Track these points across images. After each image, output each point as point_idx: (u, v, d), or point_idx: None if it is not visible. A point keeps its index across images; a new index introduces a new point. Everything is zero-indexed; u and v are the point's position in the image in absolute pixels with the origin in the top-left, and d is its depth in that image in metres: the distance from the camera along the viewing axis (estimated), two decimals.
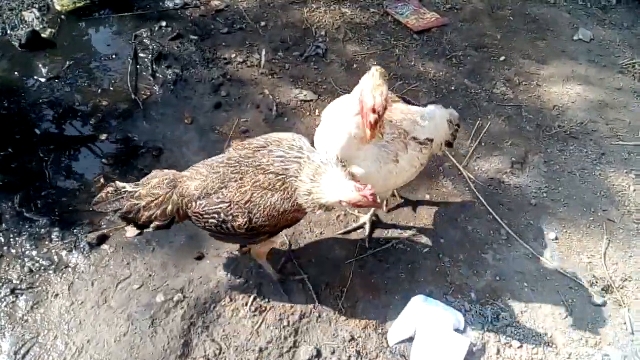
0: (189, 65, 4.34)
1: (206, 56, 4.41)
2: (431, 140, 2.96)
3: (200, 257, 3.26)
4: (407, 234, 3.50)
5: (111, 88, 4.14)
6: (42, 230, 3.33)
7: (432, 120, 2.98)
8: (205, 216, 2.55)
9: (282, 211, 2.49)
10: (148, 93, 4.13)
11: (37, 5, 4.69)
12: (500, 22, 5.00)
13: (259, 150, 2.57)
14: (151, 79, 4.22)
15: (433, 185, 3.78)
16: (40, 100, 3.99)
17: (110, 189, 2.66)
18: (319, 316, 3.11)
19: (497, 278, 3.33)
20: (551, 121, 4.23)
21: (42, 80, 4.13)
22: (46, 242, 3.29)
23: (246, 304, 3.09)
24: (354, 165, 2.69)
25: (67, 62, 4.27)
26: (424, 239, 3.49)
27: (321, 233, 3.47)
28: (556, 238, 3.56)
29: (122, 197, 2.64)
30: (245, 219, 2.49)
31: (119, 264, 3.21)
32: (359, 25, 4.82)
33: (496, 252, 3.47)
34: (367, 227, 3.50)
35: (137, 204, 2.62)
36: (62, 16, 4.65)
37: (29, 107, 3.95)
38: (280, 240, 3.35)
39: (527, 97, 4.39)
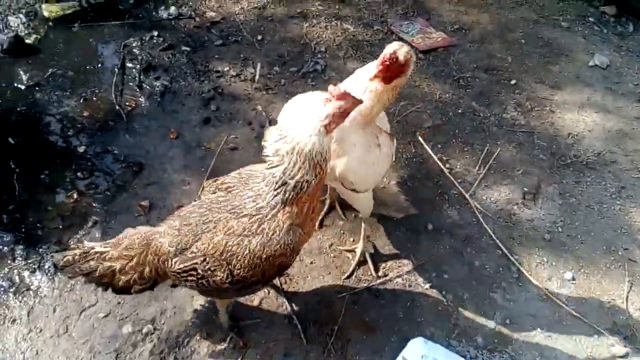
0: (179, 77, 4.18)
1: (198, 68, 4.26)
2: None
3: (175, 285, 3.00)
4: (407, 267, 3.26)
5: (94, 98, 3.97)
6: (5, 247, 3.12)
7: (384, 116, 3.08)
8: (183, 274, 2.29)
9: (265, 257, 2.18)
10: (133, 105, 3.96)
11: (24, 11, 4.57)
12: (511, 44, 4.86)
13: (231, 191, 2.31)
14: (137, 90, 4.06)
15: (437, 215, 3.55)
16: (18, 109, 3.82)
17: (78, 251, 2.42)
18: (306, 355, 2.85)
19: (507, 321, 3.07)
20: (566, 150, 4.03)
21: (22, 87, 3.98)
22: (8, 261, 3.07)
23: (224, 340, 2.84)
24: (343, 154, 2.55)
25: (50, 70, 4.12)
26: (426, 274, 3.25)
27: (312, 263, 3.23)
28: (573, 278, 3.31)
29: (93, 259, 2.38)
30: (226, 273, 2.22)
31: (86, 289, 2.97)
32: (361, 42, 4.68)
33: (506, 292, 3.22)
34: (357, 257, 3.27)
35: (112, 267, 2.36)
36: (50, 23, 4.53)
37: (3, 114, 3.77)
38: None
39: (539, 124, 4.20)
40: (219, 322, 2.87)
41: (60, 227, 3.22)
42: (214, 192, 2.37)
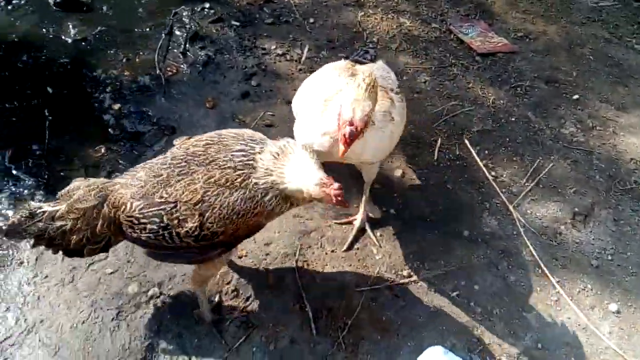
0: (224, 50, 4.17)
1: (244, 44, 4.24)
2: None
3: None
4: (434, 272, 3.09)
5: (137, 60, 4.00)
6: (26, 191, 3.14)
7: (388, 72, 3.09)
8: (143, 221, 2.12)
9: (242, 213, 2.11)
10: (174, 70, 3.96)
11: None
12: (577, 59, 4.63)
13: (211, 146, 2.22)
14: (181, 57, 4.07)
15: (475, 222, 3.37)
16: (60, 61, 3.89)
17: (23, 212, 2.23)
18: (313, 347, 2.72)
19: (539, 345, 2.85)
20: (626, 175, 3.77)
21: (68, 40, 4.05)
22: (26, 204, 3.06)
23: (232, 315, 2.74)
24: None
25: (98, 28, 4.18)
26: (454, 282, 3.07)
27: (333, 251, 3.11)
28: (618, 311, 3.06)
29: (40, 221, 2.20)
30: (196, 224, 2.08)
31: None
32: (416, 37, 4.56)
33: (541, 314, 3.00)
34: (355, 228, 3.20)
35: (62, 226, 2.19)
36: None
37: (46, 64, 3.84)
38: (223, 270, 2.91)
39: (600, 144, 3.96)
40: (198, 313, 2.71)
41: (83, 177, 3.20)
42: (190, 147, 2.25)
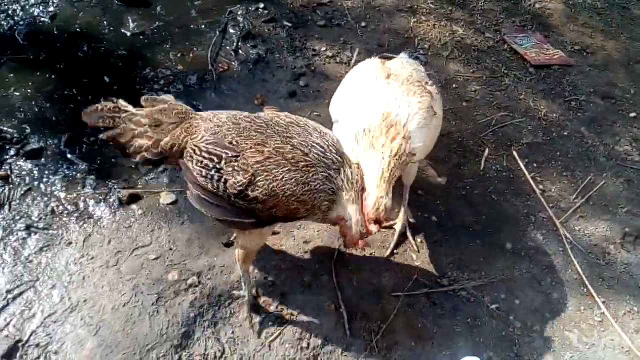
0: (275, 50, 4.21)
1: (295, 44, 4.27)
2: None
3: (229, 245, 2.98)
4: (475, 282, 3.02)
5: (191, 55, 4.08)
6: (79, 175, 3.24)
7: (418, 65, 3.07)
8: (204, 154, 2.19)
9: (289, 193, 2.16)
10: (226, 67, 4.03)
11: None
12: (636, 76, 4.45)
13: (294, 126, 2.28)
14: (233, 54, 4.13)
15: (519, 235, 3.27)
16: (118, 52, 4.01)
17: (110, 104, 2.40)
18: (346, 348, 2.70)
19: None
20: None
21: (127, 34, 4.17)
22: (78, 188, 3.18)
23: (266, 310, 2.75)
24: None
25: (157, 23, 4.30)
26: (495, 294, 2.98)
27: (371, 254, 3.07)
28: None
29: (119, 118, 2.36)
30: (245, 180, 2.12)
31: (143, 229, 3.02)
32: (468, 46, 4.48)
33: (584, 334, 2.88)
34: (397, 233, 3.15)
35: (134, 130, 2.34)
36: None
37: (105, 55, 3.98)
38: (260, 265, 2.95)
39: None
40: (237, 295, 2.78)
41: (133, 166, 3.30)
42: (275, 117, 2.33)
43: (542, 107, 4.05)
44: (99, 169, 3.28)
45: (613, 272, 3.18)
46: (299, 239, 3.05)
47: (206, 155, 2.19)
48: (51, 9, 4.25)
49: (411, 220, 3.24)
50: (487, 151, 3.67)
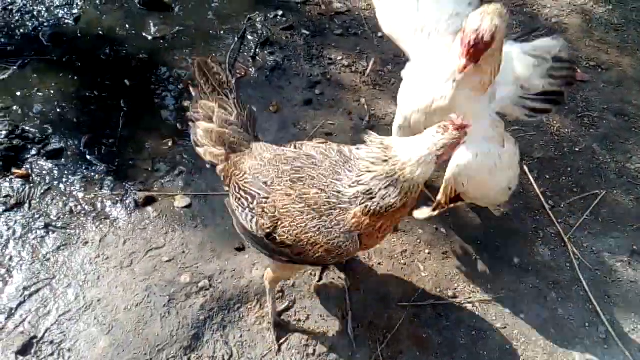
0: (292, 57, 4.24)
1: (312, 52, 4.30)
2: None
3: (240, 249, 3.03)
4: (480, 295, 3.03)
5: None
6: (97, 176, 3.31)
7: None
8: (241, 192, 2.26)
9: (312, 241, 2.09)
10: (243, 73, 4.07)
11: None
12: None
13: (316, 164, 2.20)
14: (251, 60, 4.17)
15: (526, 249, 3.27)
16: (139, 56, 4.08)
17: (221, 68, 2.50)
18: (351, 356, 2.74)
19: None
20: None
21: (149, 37, 4.23)
22: (96, 189, 3.25)
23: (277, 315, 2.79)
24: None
25: (177, 27, 4.35)
26: (500, 308, 3.00)
27: (379, 264, 3.10)
28: None
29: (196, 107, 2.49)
30: (271, 224, 2.14)
31: (157, 231, 3.07)
32: None
33: (587, 350, 2.89)
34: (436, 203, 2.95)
35: (214, 111, 2.42)
36: None
37: (126, 58, 4.04)
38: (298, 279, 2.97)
39: None
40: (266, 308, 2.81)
41: (149, 169, 3.36)
42: (316, 149, 2.25)
43: (555, 122, 4.03)
44: (116, 170, 3.35)
45: (619, 289, 3.17)
46: None
47: (242, 194, 2.26)
48: (75, 11, 4.33)
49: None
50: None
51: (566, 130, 4.00)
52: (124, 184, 3.27)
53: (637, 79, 4.56)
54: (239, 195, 2.28)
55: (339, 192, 2.07)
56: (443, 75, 2.40)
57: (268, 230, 2.16)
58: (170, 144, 3.51)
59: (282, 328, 2.77)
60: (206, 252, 3.00)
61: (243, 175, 2.28)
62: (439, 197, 2.75)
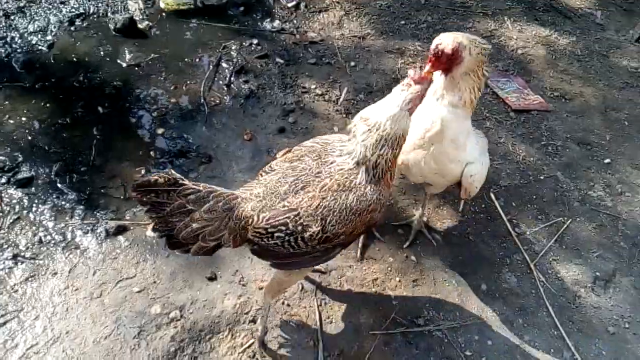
0: (266, 85, 4.30)
1: (286, 81, 4.37)
2: None
3: (212, 279, 3.03)
4: (449, 323, 3.08)
5: (184, 88, 4.17)
6: (67, 204, 3.28)
7: None
8: (271, 230, 2.24)
9: (360, 212, 2.29)
10: (217, 101, 4.11)
11: None
12: (612, 123, 4.59)
13: (311, 158, 2.39)
14: (225, 88, 4.22)
15: (493, 276, 3.35)
16: (114, 83, 4.08)
17: (165, 176, 2.14)
18: None
19: None
20: None
21: (123, 64, 4.25)
22: (66, 218, 3.22)
23: (245, 345, 2.78)
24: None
25: (152, 55, 4.38)
26: (468, 335, 3.04)
27: (351, 292, 3.13)
28: None
29: (175, 191, 2.15)
30: (319, 228, 2.24)
31: (128, 261, 3.05)
32: None
33: None
34: (415, 225, 3.46)
35: (188, 209, 2.18)
36: (163, 14, 4.84)
37: (100, 85, 4.04)
38: (243, 299, 3.01)
39: (627, 210, 3.90)
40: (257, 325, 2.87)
41: (122, 197, 3.35)
42: (291, 162, 2.41)
43: (521, 151, 4.17)
44: (88, 198, 3.32)
45: (583, 315, 3.26)
46: None
47: (273, 231, 2.25)
48: (49, 37, 4.33)
49: (425, 219, 3.53)
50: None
51: (531, 159, 4.13)
52: (95, 212, 3.25)
53: (599, 108, 4.75)
54: (270, 236, 2.26)
55: (349, 168, 2.32)
56: (430, 102, 2.68)
57: (319, 235, 2.26)
58: (143, 171, 3.51)
59: (265, 349, 2.80)
60: (178, 282, 2.99)
61: (258, 220, 2.25)
62: (462, 195, 3.07)
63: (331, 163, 2.34)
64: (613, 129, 4.56)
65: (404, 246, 3.38)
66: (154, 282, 2.98)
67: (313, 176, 2.32)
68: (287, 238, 2.25)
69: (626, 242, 3.69)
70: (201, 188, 2.23)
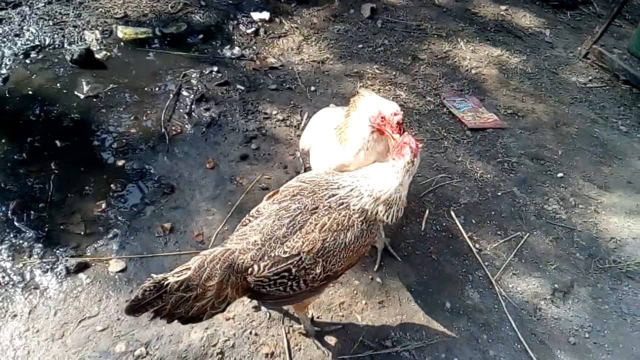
0: (228, 113, 4.32)
1: (247, 107, 4.40)
2: None
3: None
4: (416, 343, 3.12)
5: (144, 118, 4.14)
6: (25, 243, 3.20)
7: None
8: (274, 278, 2.26)
9: (357, 248, 2.39)
10: (178, 130, 4.10)
11: (100, 29, 4.91)
12: (563, 138, 4.79)
13: (304, 196, 2.43)
14: (186, 117, 4.21)
15: (456, 294, 3.42)
16: (71, 115, 4.03)
17: (148, 285, 2.10)
18: None
19: None
20: (606, 254, 3.84)
21: (80, 96, 4.20)
22: (24, 257, 3.14)
23: None
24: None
25: (111, 85, 4.35)
26: (435, 354, 3.09)
27: (318, 317, 3.14)
28: None
29: (166, 292, 2.12)
30: (321, 270, 2.31)
31: (90, 299, 2.99)
32: (410, 109, 4.73)
33: None
34: (379, 245, 3.54)
35: (186, 296, 2.16)
36: (122, 43, 4.82)
37: (57, 119, 3.98)
38: (210, 332, 2.98)
39: (581, 222, 4.05)
40: (303, 330, 3.01)
41: (82, 233, 3.29)
42: (280, 203, 2.43)
43: (478, 169, 4.29)
44: (46, 236, 3.25)
45: (544, 327, 3.35)
46: (247, 305, 3.09)
47: (275, 277, 2.27)
48: (3, 71, 4.25)
49: (388, 240, 3.61)
50: (427, 212, 3.85)
51: (489, 175, 4.26)
52: (54, 250, 3.18)
53: (551, 124, 4.94)
54: (272, 282, 2.27)
55: (345, 203, 2.40)
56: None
57: (322, 277, 2.32)
58: (103, 205, 3.46)
59: (320, 331, 3.04)
60: (142, 318, 2.92)
61: (259, 269, 2.25)
62: None
63: (330, 197, 2.41)
64: (564, 144, 4.74)
65: (374, 269, 3.42)
66: (118, 319, 2.92)
67: (309, 214, 2.36)
68: (289, 283, 2.30)
69: (582, 253, 3.83)
70: (190, 273, 2.17)
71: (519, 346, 3.22)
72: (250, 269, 2.26)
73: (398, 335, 3.15)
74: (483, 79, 5.28)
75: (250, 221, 2.44)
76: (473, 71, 5.34)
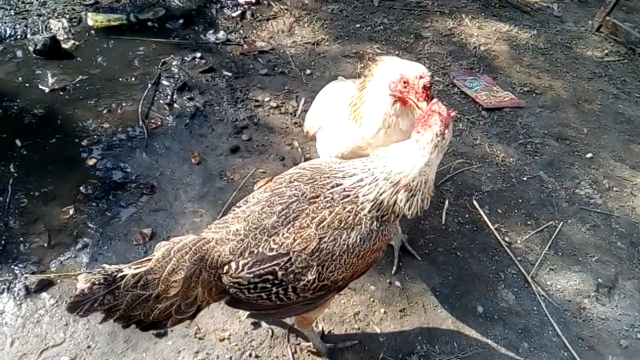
0: (214, 102, 3.81)
1: (236, 95, 3.89)
2: None
3: (161, 334, 2.47)
4: (447, 355, 2.63)
5: (119, 111, 3.63)
6: None
7: None
8: (254, 281, 1.76)
9: (362, 254, 1.87)
10: (158, 123, 3.59)
11: (67, 16, 4.39)
12: (587, 115, 4.32)
13: (303, 183, 1.93)
14: (167, 108, 3.70)
15: (488, 295, 2.92)
16: (34, 111, 3.51)
17: (97, 277, 1.71)
18: None
19: None
20: None
21: (45, 90, 3.69)
22: None
23: None
24: None
25: (80, 77, 3.84)
26: None
27: (329, 331, 2.64)
28: None
29: (119, 288, 1.71)
30: (315, 276, 1.78)
31: (55, 323, 2.48)
32: None
33: None
34: (395, 244, 3.04)
35: (145, 294, 1.74)
36: (92, 31, 4.31)
37: (18, 115, 3.46)
38: (202, 355, 2.47)
39: (618, 206, 3.57)
40: (313, 348, 2.53)
41: (45, 245, 2.78)
42: (273, 190, 1.92)
43: (499, 152, 3.80)
44: (3, 250, 2.73)
45: (591, 329, 2.87)
46: (245, 322, 2.58)
47: (257, 280, 1.77)
48: None
49: (405, 236, 3.11)
50: (447, 202, 3.36)
51: (511, 159, 3.77)
52: (12, 266, 2.66)
53: (572, 101, 4.48)
54: (252, 286, 1.78)
55: (352, 197, 1.88)
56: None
57: (314, 285, 1.79)
58: (71, 211, 2.94)
59: (333, 349, 2.52)
60: (118, 344, 2.42)
61: (237, 268, 1.77)
62: None
63: (334, 187, 1.89)
64: (589, 121, 4.27)
65: (392, 271, 2.93)
66: (88, 346, 2.41)
67: (306, 202, 1.85)
68: (274, 289, 1.78)
69: (623, 241, 3.35)
70: (151, 264, 1.74)
71: (565, 354, 2.74)
72: (226, 267, 1.77)
73: (425, 349, 2.65)
74: (494, 56, 4.80)
75: (234, 211, 1.95)
76: (482, 48, 4.86)
